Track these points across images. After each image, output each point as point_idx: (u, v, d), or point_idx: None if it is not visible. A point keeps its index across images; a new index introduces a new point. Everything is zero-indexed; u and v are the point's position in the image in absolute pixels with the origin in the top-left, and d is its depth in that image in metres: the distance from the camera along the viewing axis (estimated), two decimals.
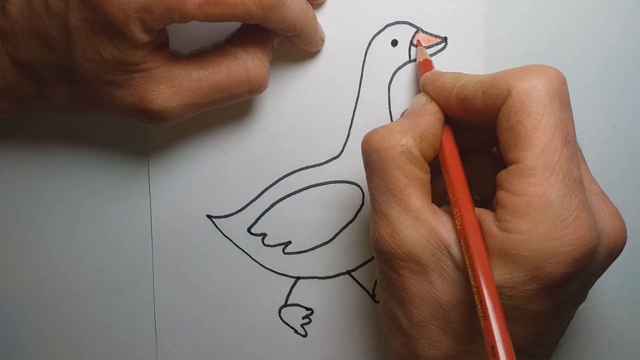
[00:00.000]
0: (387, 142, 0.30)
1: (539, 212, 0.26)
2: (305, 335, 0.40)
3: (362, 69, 0.37)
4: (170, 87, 0.32)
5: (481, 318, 0.26)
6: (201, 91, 0.33)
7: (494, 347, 0.25)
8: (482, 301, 0.26)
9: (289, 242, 0.39)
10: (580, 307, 0.31)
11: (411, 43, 0.37)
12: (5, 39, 0.32)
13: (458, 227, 0.28)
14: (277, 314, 0.40)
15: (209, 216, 0.39)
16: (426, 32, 0.37)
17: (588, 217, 0.27)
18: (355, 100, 0.38)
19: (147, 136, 0.39)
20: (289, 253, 0.39)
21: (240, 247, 0.40)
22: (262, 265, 0.40)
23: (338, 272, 0.39)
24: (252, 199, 0.39)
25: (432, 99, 0.32)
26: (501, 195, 0.28)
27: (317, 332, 0.40)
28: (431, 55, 0.37)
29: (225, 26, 0.35)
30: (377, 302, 0.39)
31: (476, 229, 0.28)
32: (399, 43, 0.37)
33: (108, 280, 0.41)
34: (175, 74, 0.33)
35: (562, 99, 0.28)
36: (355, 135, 0.38)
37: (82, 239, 0.40)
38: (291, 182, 0.39)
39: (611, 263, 0.30)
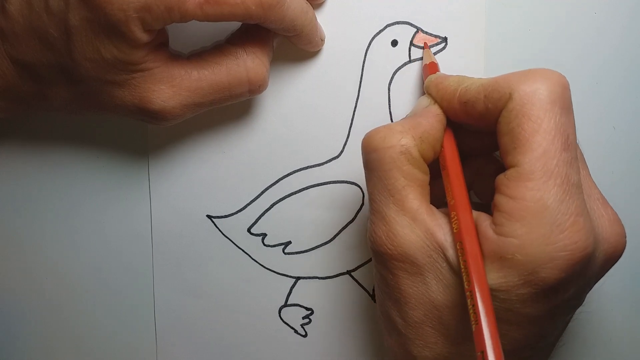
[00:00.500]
0: (387, 142, 0.30)
1: (535, 217, 0.26)
2: (305, 335, 0.40)
3: (362, 69, 0.37)
4: (170, 86, 0.32)
5: (473, 322, 0.26)
6: (201, 91, 0.33)
7: (483, 352, 0.25)
8: (475, 305, 0.26)
9: (289, 242, 0.39)
10: (578, 310, 0.31)
11: (411, 43, 0.37)
12: (5, 39, 0.32)
13: (455, 231, 0.28)
14: (277, 314, 0.40)
15: (209, 216, 0.39)
16: (426, 32, 0.37)
17: (585, 223, 0.27)
18: (355, 100, 0.38)
19: (147, 136, 0.39)
20: (289, 253, 0.39)
21: (240, 247, 0.40)
22: (262, 265, 0.40)
23: (338, 272, 0.39)
24: (252, 199, 0.39)
25: (435, 101, 0.32)
26: (498, 198, 0.28)
27: (317, 332, 0.40)
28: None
29: (225, 26, 0.35)
30: None
31: (472, 233, 0.28)
32: (399, 43, 0.37)
33: (108, 280, 0.41)
34: (175, 74, 0.33)
35: (563, 103, 0.28)
36: (355, 135, 0.38)
37: (82, 239, 0.40)
38: (291, 182, 0.39)
39: (610, 268, 0.30)
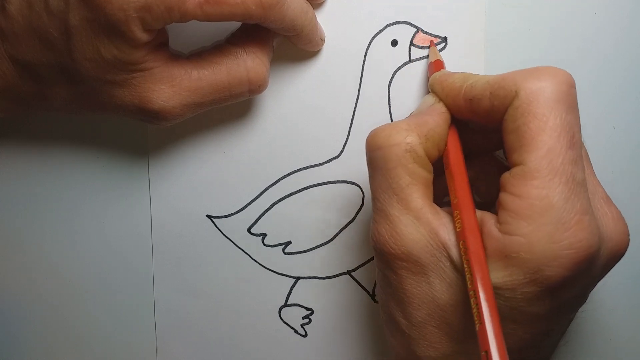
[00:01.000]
0: (392, 140, 0.30)
1: (540, 215, 0.26)
2: (305, 335, 0.40)
3: (362, 69, 0.37)
4: (170, 86, 0.32)
5: (476, 322, 0.26)
6: (201, 91, 0.33)
7: (487, 352, 0.25)
8: (478, 305, 0.26)
9: (289, 242, 0.39)
10: (580, 309, 0.31)
11: (411, 43, 0.37)
12: (5, 39, 0.32)
13: (458, 230, 0.28)
14: (277, 314, 0.40)
15: (209, 216, 0.39)
16: (426, 32, 0.37)
17: (590, 221, 0.27)
18: (355, 100, 0.38)
19: (147, 136, 0.39)
20: (289, 253, 0.39)
21: (240, 247, 0.40)
22: (262, 265, 0.40)
23: (338, 272, 0.39)
24: (252, 199, 0.39)
25: (440, 99, 0.32)
26: (503, 197, 0.28)
27: (317, 332, 0.40)
28: None
29: (225, 26, 0.35)
30: (377, 302, 0.39)
31: (476, 231, 0.28)
32: (399, 43, 0.37)
33: (108, 280, 0.41)
34: (175, 74, 0.33)
35: (569, 101, 0.28)
36: (355, 135, 0.38)
37: (82, 239, 0.40)
38: (291, 182, 0.39)
39: (613, 266, 0.30)
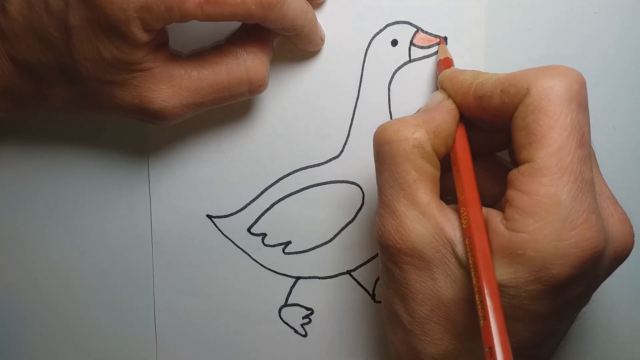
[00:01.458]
0: (400, 134, 0.30)
1: (547, 212, 0.26)
2: (305, 335, 0.40)
3: (362, 69, 0.37)
4: (170, 86, 0.32)
5: (481, 318, 0.26)
6: (201, 91, 0.33)
7: (491, 348, 0.25)
8: (483, 301, 0.26)
9: (289, 242, 0.39)
10: (582, 309, 0.31)
11: (411, 43, 0.37)
12: (5, 39, 0.32)
13: (464, 226, 0.28)
14: (277, 314, 0.40)
15: (209, 216, 0.39)
16: (426, 32, 0.37)
17: (597, 220, 0.27)
18: (355, 100, 0.38)
19: (147, 136, 0.39)
20: (289, 253, 0.39)
21: (240, 247, 0.40)
22: (262, 265, 0.40)
23: (338, 272, 0.39)
24: (252, 199, 0.39)
25: (450, 96, 0.32)
26: (511, 193, 0.28)
27: (317, 332, 0.40)
28: (431, 55, 0.37)
29: (225, 26, 0.35)
30: (377, 302, 0.39)
31: (482, 228, 0.28)
32: (399, 43, 0.37)
33: (108, 280, 0.41)
34: (176, 74, 0.33)
35: (580, 100, 0.28)
36: (355, 135, 0.38)
37: (82, 239, 0.40)
38: (291, 182, 0.39)
39: (617, 267, 0.30)
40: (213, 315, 0.40)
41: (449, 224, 0.29)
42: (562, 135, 0.27)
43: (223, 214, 0.39)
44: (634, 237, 0.30)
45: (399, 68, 0.37)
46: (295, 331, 0.40)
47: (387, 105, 0.37)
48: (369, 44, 0.37)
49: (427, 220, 0.29)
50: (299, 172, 0.39)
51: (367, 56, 0.37)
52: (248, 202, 0.39)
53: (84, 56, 0.31)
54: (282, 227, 0.39)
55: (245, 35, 0.34)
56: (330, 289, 0.39)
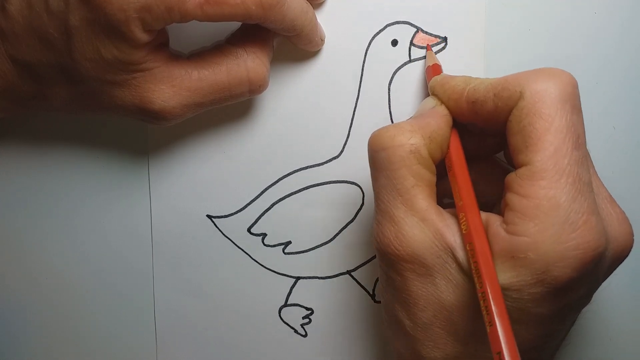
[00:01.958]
0: (396, 140, 0.30)
1: (547, 215, 0.26)
2: (305, 335, 0.40)
3: (362, 69, 0.37)
4: (170, 86, 0.32)
5: (487, 324, 0.26)
6: (201, 91, 0.33)
7: (500, 353, 0.25)
8: (488, 307, 0.26)
9: (289, 242, 0.39)
10: (583, 309, 0.31)
11: (411, 43, 0.37)
12: (5, 39, 0.32)
13: (464, 232, 0.28)
14: (277, 314, 0.40)
15: (209, 216, 0.39)
16: (426, 32, 0.37)
17: (597, 221, 0.27)
18: (355, 100, 0.38)
19: (147, 136, 0.39)
20: (289, 253, 0.39)
21: (240, 247, 0.40)
22: (262, 265, 0.40)
23: (338, 272, 0.39)
24: (252, 199, 0.39)
25: (442, 102, 0.32)
26: (510, 197, 0.28)
27: (317, 332, 0.40)
28: None
29: (225, 26, 0.35)
30: (377, 302, 0.39)
31: (482, 234, 0.28)
32: (399, 43, 0.37)
33: (108, 280, 0.41)
34: (176, 74, 0.33)
35: (574, 102, 0.28)
36: (355, 135, 0.38)
37: (82, 239, 0.40)
38: (291, 182, 0.39)
39: (617, 267, 0.30)
40: (213, 315, 0.40)
41: (448, 229, 0.29)
42: (558, 137, 0.27)
43: (223, 214, 0.39)
44: (633, 236, 0.30)
45: (399, 68, 0.37)
46: (295, 331, 0.40)
47: (387, 105, 0.37)
48: (369, 44, 0.37)
49: (426, 226, 0.29)
50: (299, 172, 0.39)
51: (367, 56, 0.37)
52: (248, 202, 0.39)
53: (84, 56, 0.31)
54: (282, 227, 0.39)
55: (245, 35, 0.34)
56: (330, 289, 0.39)
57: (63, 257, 0.41)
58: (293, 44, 0.36)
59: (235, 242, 0.40)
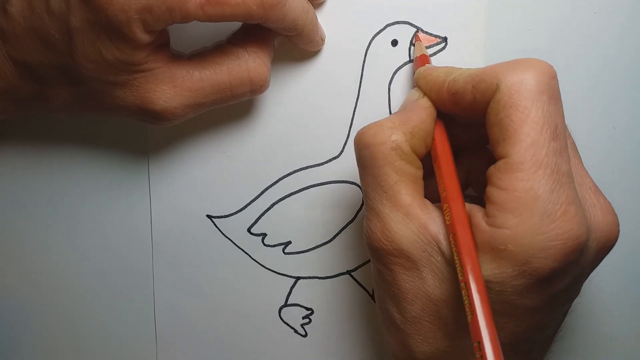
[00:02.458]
0: (377, 138, 0.30)
1: (526, 207, 0.26)
2: (305, 335, 0.40)
3: (362, 69, 0.37)
4: (171, 87, 0.32)
5: (468, 313, 0.26)
6: (203, 91, 0.33)
7: (480, 342, 0.25)
8: (469, 296, 0.26)
9: (289, 242, 0.39)
10: (576, 302, 0.31)
11: (411, 43, 0.37)
12: (6, 40, 0.32)
13: (447, 223, 0.29)
14: (277, 314, 0.40)
15: (209, 216, 0.39)
16: (426, 32, 0.37)
17: (577, 211, 0.27)
18: (355, 100, 0.38)
19: (147, 136, 0.39)
20: (289, 253, 0.39)
21: (240, 247, 0.40)
22: (262, 265, 0.40)
23: (338, 272, 0.39)
24: (252, 199, 0.39)
25: (425, 93, 0.32)
26: (490, 190, 0.28)
27: (317, 332, 0.40)
28: (431, 55, 0.37)
29: (226, 26, 0.35)
30: None
31: (465, 224, 0.28)
32: (399, 43, 0.37)
33: (108, 280, 0.41)
34: (177, 74, 0.33)
35: (550, 92, 0.28)
36: None
37: (82, 239, 0.40)
38: (291, 182, 0.39)
39: (603, 257, 0.30)
40: (213, 315, 0.40)
41: (433, 222, 0.29)
42: (534, 129, 0.27)
43: (223, 214, 0.39)
44: (618, 226, 0.30)
45: (399, 68, 0.37)
46: (295, 331, 0.40)
47: (387, 105, 0.37)
48: (369, 44, 0.37)
49: (410, 221, 0.29)
50: (299, 172, 0.39)
51: (367, 56, 0.37)
52: (248, 202, 0.39)
53: (86, 57, 0.31)
54: (282, 227, 0.39)
55: (246, 35, 0.34)
56: (330, 289, 0.40)
57: (63, 257, 0.41)
58: (294, 44, 0.36)
59: (235, 242, 0.40)
